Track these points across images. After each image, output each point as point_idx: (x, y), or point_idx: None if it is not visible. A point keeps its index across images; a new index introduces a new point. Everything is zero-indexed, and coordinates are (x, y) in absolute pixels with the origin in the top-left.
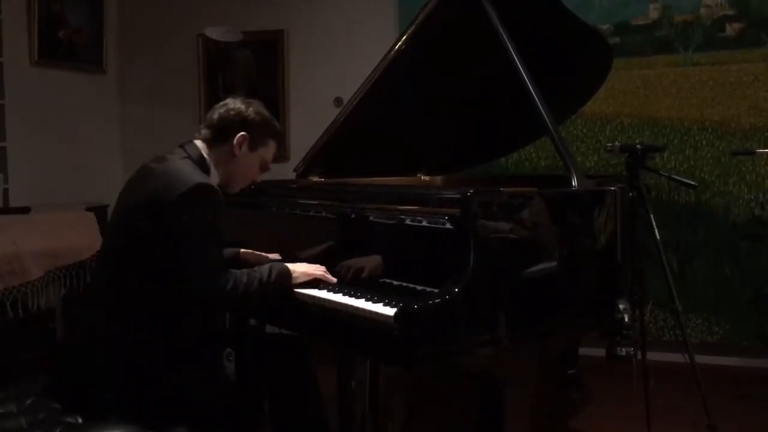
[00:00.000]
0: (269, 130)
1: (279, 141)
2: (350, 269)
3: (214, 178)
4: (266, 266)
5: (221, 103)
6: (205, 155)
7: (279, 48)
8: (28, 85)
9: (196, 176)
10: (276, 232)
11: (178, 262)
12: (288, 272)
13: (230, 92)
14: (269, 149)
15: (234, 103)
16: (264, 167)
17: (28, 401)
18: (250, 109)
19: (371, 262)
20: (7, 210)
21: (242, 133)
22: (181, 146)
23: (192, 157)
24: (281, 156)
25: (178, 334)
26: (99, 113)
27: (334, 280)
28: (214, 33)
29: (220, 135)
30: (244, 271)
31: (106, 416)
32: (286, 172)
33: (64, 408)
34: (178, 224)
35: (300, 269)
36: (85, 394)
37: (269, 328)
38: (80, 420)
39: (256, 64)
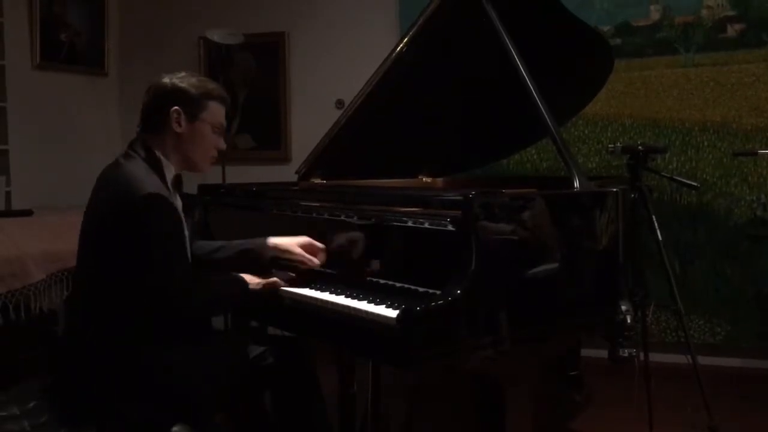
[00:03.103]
0: (202, 92)
1: (221, 99)
2: (352, 271)
3: (170, 169)
4: (229, 276)
5: (146, 89)
6: (153, 149)
7: (280, 50)
8: (30, 88)
9: (144, 184)
10: (278, 235)
11: (137, 271)
12: (243, 280)
13: (231, 94)
14: (213, 112)
15: (155, 83)
16: (219, 131)
17: (31, 404)
18: (173, 79)
19: (373, 263)
20: (9, 212)
21: (174, 108)
22: (131, 146)
23: (141, 155)
24: (283, 158)
25: (157, 334)
26: (101, 115)
27: (282, 283)
28: (215, 35)
29: (154, 120)
30: (211, 280)
31: (107, 418)
32: (288, 174)
33: (66, 410)
34: (133, 236)
35: (255, 281)
36: (86, 397)
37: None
38: (82, 423)
39: (257, 67)
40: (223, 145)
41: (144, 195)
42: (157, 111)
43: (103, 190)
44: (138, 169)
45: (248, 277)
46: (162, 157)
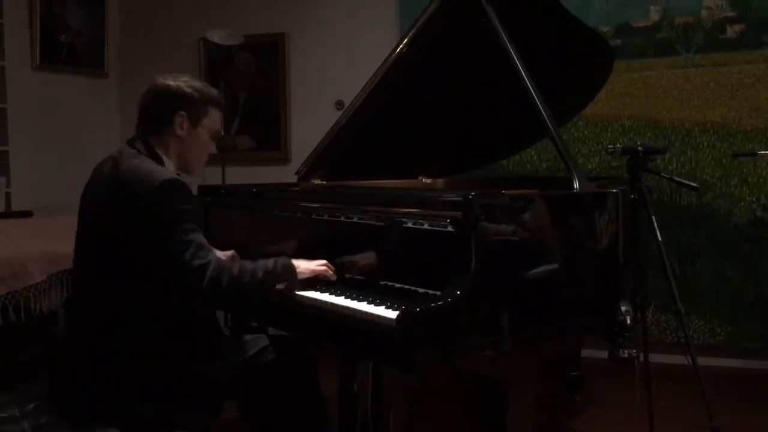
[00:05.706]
0: (206, 99)
1: (220, 107)
2: (352, 272)
3: (170, 167)
4: (271, 260)
5: (147, 88)
6: (155, 148)
7: (280, 51)
8: (30, 89)
9: (161, 172)
10: (278, 235)
11: (163, 257)
12: (292, 266)
13: (232, 95)
14: (213, 118)
15: (160, 84)
16: (216, 138)
17: (31, 405)
18: (178, 82)
19: (373, 264)
20: (9, 214)
21: (179, 112)
22: (132, 143)
23: (144, 153)
24: (283, 159)
25: (167, 333)
26: (101, 117)
27: (334, 277)
28: (215, 36)
29: (158, 122)
30: (247, 261)
31: (107, 420)
32: (288, 175)
33: (65, 412)
34: (154, 223)
35: (304, 265)
36: (85, 398)
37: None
38: (82, 424)
39: (257, 68)
40: (215, 150)
41: (164, 180)
42: (161, 112)
43: (108, 186)
44: (147, 163)
45: (296, 262)
46: (163, 156)
